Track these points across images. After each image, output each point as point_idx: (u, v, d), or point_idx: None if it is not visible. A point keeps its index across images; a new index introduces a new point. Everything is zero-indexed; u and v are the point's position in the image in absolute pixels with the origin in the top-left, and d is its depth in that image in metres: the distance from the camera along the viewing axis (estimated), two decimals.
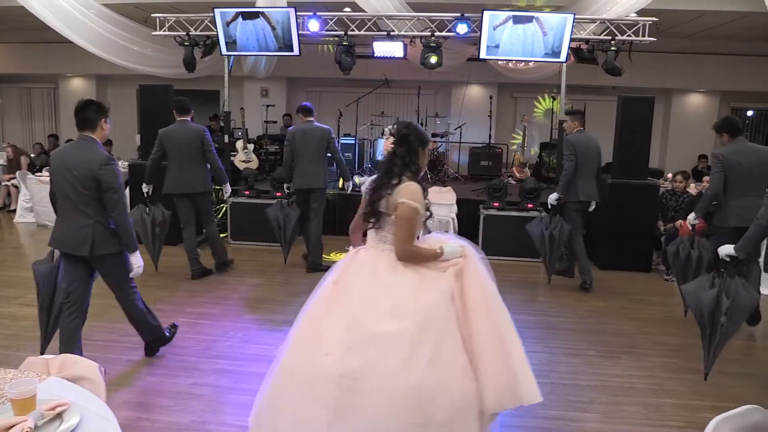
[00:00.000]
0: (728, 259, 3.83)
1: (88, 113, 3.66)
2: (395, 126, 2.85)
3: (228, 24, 7.54)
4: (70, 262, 3.74)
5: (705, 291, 3.76)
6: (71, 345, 3.71)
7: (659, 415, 3.50)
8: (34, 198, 8.75)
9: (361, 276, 2.68)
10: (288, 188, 6.60)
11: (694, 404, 3.62)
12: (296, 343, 2.63)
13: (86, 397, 1.85)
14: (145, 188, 6.06)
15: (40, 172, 9.11)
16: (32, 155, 10.77)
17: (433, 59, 7.51)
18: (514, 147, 11.13)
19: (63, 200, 3.69)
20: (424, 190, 2.73)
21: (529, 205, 7.31)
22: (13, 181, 9.56)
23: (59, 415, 1.68)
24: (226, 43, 7.67)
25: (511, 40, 7.27)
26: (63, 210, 3.71)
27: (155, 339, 4.14)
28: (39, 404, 1.68)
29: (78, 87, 13.21)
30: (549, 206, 6.20)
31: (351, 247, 3.09)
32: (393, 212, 2.66)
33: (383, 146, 2.65)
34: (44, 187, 8.58)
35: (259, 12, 7.54)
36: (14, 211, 9.28)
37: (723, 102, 12.09)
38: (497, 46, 7.33)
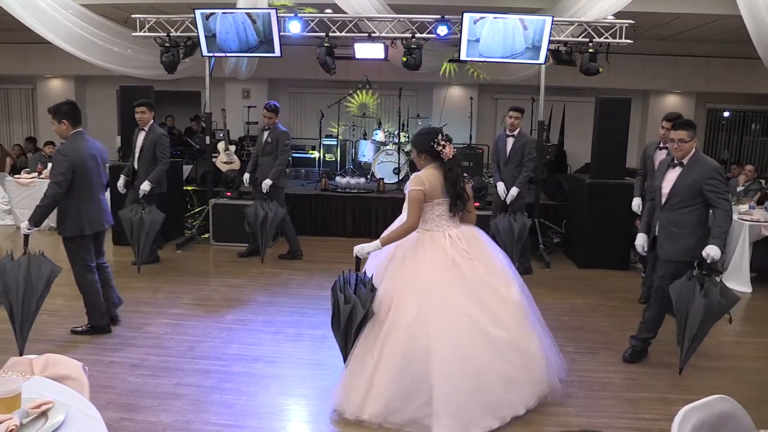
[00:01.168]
0: (712, 260, 3.86)
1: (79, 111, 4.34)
2: (444, 134, 3.52)
3: (207, 18, 7.50)
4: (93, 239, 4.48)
5: (689, 291, 3.84)
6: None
7: (634, 408, 3.60)
8: (12, 200, 8.65)
9: (484, 247, 3.62)
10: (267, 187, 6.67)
11: (668, 397, 3.73)
12: (473, 323, 3.30)
13: (70, 396, 1.88)
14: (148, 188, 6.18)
15: (19, 174, 9.01)
16: (14, 157, 10.65)
17: (403, 58, 7.59)
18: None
19: (95, 186, 4.37)
20: None
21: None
22: None
23: (44, 413, 1.71)
24: (206, 36, 7.61)
25: (491, 33, 7.29)
26: (94, 194, 4.37)
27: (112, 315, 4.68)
28: (24, 403, 1.70)
29: (57, 88, 13.06)
30: (506, 202, 6.42)
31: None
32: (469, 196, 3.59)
33: (447, 151, 3.47)
34: (24, 189, 8.50)
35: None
36: None
37: (699, 103, 12.32)
38: (477, 40, 7.34)
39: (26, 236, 4.13)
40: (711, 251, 3.85)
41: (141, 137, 6.40)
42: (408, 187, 3.49)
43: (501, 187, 6.57)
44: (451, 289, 3.33)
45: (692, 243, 3.97)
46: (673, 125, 4.10)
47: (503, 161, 6.62)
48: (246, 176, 6.96)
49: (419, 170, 3.56)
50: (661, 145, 5.58)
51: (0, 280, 3.86)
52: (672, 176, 4.09)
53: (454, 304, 3.30)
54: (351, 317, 3.33)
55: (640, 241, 4.39)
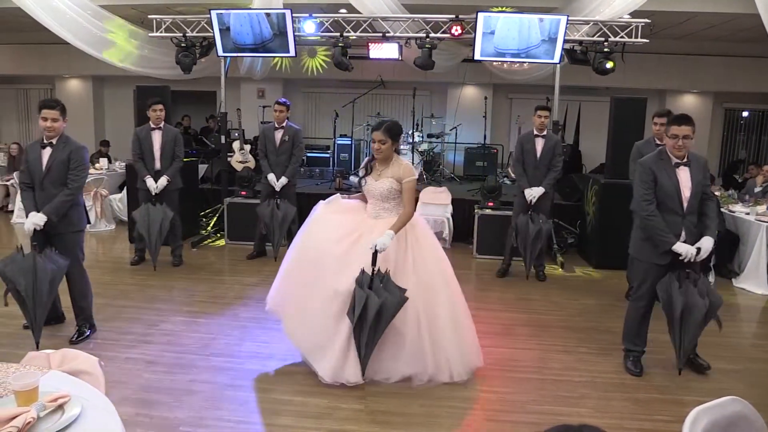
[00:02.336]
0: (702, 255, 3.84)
1: None
2: None
3: (222, 14, 7.58)
4: None
5: (676, 291, 3.83)
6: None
7: (648, 409, 3.58)
8: None
9: None
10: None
11: (682, 399, 3.70)
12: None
13: (86, 390, 1.91)
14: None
15: None
16: None
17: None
18: None
19: None
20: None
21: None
22: (11, 181, 9.58)
23: (61, 407, 1.74)
24: (220, 30, 7.65)
25: (506, 25, 7.25)
26: None
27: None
28: (41, 396, 1.74)
29: (75, 88, 13.24)
30: (530, 202, 6.21)
31: None
32: None
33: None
34: None
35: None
36: (12, 211, 9.30)
37: (716, 103, 12.19)
38: (492, 33, 7.30)
39: (35, 231, 4.14)
40: (704, 244, 3.82)
41: (157, 136, 6.38)
42: (404, 177, 3.84)
43: (529, 193, 6.22)
44: (436, 270, 3.89)
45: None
46: (676, 120, 3.84)
47: (533, 163, 6.28)
48: (272, 177, 6.67)
49: (384, 160, 3.90)
50: (657, 142, 5.55)
51: (15, 274, 3.96)
52: (685, 177, 3.88)
53: (436, 283, 3.88)
54: (383, 309, 3.51)
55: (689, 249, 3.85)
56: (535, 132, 6.35)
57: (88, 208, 8.37)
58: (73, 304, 4.46)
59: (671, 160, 3.89)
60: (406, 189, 3.84)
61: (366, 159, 4.15)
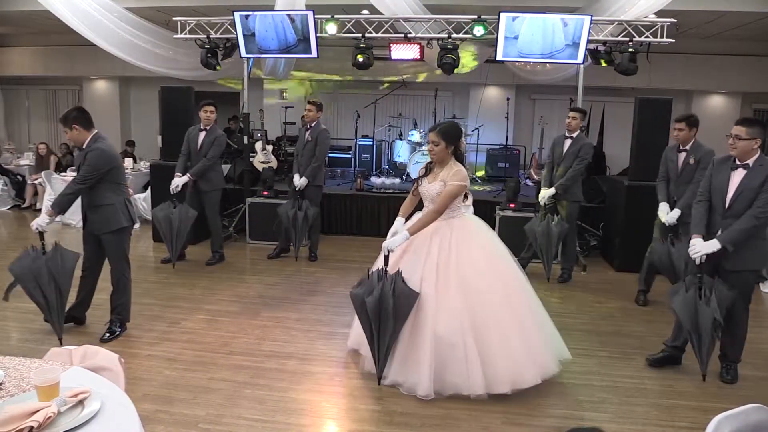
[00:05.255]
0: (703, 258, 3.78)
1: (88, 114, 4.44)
2: None
3: (247, 17, 7.63)
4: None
5: (697, 305, 3.77)
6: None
7: (670, 416, 3.51)
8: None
9: None
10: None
11: (706, 406, 3.63)
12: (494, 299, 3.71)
13: (106, 386, 1.93)
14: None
15: (65, 172, 9.30)
16: (59, 155, 11.01)
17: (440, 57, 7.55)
18: None
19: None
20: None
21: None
22: (39, 181, 9.77)
23: (81, 402, 1.76)
24: (245, 35, 7.72)
25: (530, 30, 7.18)
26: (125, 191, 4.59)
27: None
28: (62, 391, 1.76)
29: (102, 89, 13.47)
30: (543, 204, 6.23)
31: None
32: None
33: (464, 143, 4.05)
34: None
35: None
36: (40, 210, 9.47)
37: (745, 103, 11.94)
38: (516, 38, 7.24)
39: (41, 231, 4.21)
40: (704, 246, 3.77)
41: (201, 137, 6.44)
42: (450, 180, 3.74)
43: (541, 194, 6.30)
44: (487, 273, 3.69)
45: (765, 250, 3.86)
46: (737, 121, 3.86)
47: (557, 163, 6.30)
48: (296, 177, 6.70)
49: (440, 162, 3.85)
50: (681, 148, 5.42)
51: (29, 273, 4.03)
52: (737, 179, 3.81)
53: (487, 287, 3.64)
54: (398, 305, 3.50)
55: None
56: (566, 133, 6.34)
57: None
58: (111, 299, 4.55)
59: (731, 160, 3.89)
60: (449, 191, 3.73)
61: (429, 161, 4.02)
